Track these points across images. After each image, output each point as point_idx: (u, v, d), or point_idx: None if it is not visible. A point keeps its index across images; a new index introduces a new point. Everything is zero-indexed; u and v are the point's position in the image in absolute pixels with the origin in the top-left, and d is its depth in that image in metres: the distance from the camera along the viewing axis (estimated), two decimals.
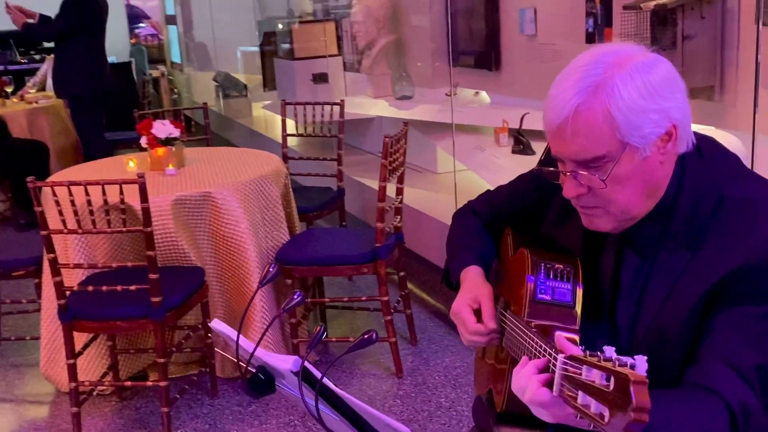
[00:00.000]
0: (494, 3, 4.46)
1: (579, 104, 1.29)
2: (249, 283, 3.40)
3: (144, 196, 2.85)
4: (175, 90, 10.57)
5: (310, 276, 3.75)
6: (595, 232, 1.49)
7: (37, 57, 9.24)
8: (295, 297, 1.26)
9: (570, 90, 1.30)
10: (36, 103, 6.67)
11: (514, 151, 4.08)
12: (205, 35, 9.72)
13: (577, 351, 1.19)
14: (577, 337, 1.46)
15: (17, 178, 5.53)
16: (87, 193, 2.83)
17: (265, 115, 7.49)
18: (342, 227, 4.46)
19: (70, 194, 2.85)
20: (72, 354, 3.03)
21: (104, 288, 2.95)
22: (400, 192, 3.61)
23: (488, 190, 1.91)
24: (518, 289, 1.58)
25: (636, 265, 1.44)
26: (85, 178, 2.90)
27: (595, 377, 1.07)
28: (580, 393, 1.10)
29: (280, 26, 7.28)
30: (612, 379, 1.03)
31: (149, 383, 3.33)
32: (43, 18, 6.32)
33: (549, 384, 1.20)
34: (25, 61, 9.33)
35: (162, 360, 3.01)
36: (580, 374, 1.10)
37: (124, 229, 2.92)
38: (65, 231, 2.92)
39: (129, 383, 3.33)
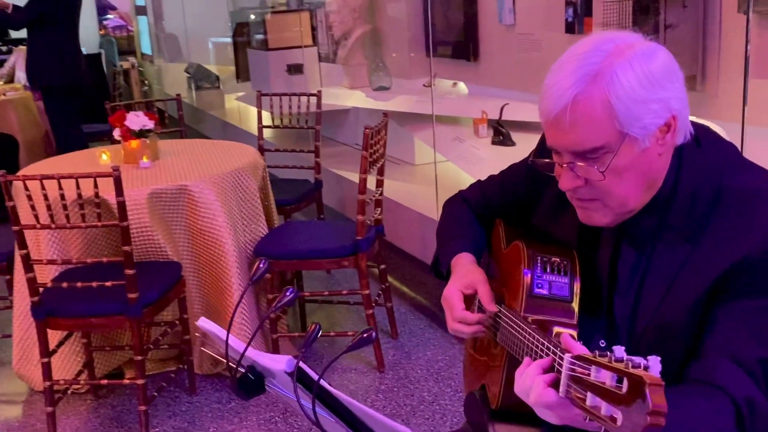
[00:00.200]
0: None
1: (577, 93, 1.25)
2: (227, 277, 3.33)
3: (119, 190, 2.78)
4: (146, 82, 10.41)
5: (289, 270, 3.69)
6: (590, 226, 1.46)
7: (4, 48, 9.05)
8: (288, 294, 1.21)
9: (568, 79, 1.26)
10: (4, 95, 6.52)
11: (493, 142, 4.04)
12: (177, 26, 9.58)
13: (584, 350, 1.15)
14: (575, 333, 1.43)
15: None
16: (60, 187, 2.75)
17: (238, 106, 7.39)
18: (320, 220, 4.40)
19: (43, 188, 2.77)
20: (46, 352, 2.95)
21: (79, 284, 2.87)
22: (380, 184, 3.56)
23: (479, 180, 1.86)
24: (513, 282, 1.54)
25: (633, 259, 1.40)
26: (58, 171, 2.81)
27: (606, 378, 1.03)
28: (588, 394, 1.06)
29: (253, 17, 7.19)
30: (625, 381, 0.99)
31: (126, 381, 3.25)
32: (16, 9, 6.18)
33: (555, 384, 1.16)
34: None
35: (139, 358, 2.94)
36: (589, 375, 1.06)
37: (99, 223, 2.84)
38: (38, 226, 2.84)
39: (105, 381, 3.25)
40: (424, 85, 4.92)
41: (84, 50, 6.57)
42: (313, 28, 6.26)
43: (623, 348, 1.04)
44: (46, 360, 2.95)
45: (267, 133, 4.68)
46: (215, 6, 8.19)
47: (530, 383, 1.19)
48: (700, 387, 1.26)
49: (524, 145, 4.01)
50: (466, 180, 4.16)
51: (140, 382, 2.95)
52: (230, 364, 1.26)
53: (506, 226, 1.73)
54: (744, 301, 1.28)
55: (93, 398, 3.37)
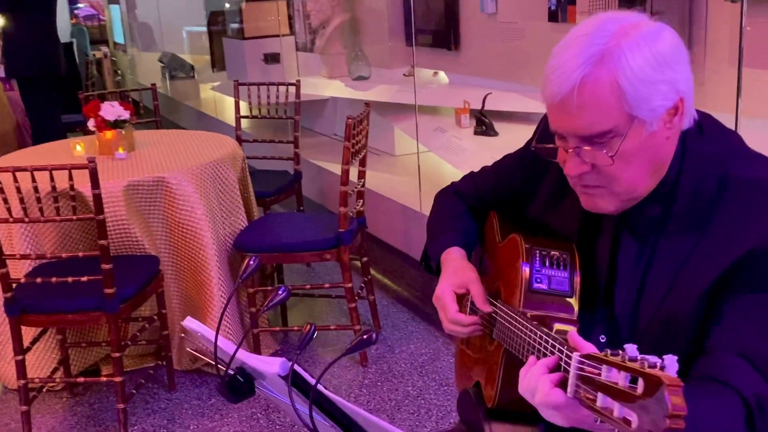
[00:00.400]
0: None
1: (585, 75, 1.19)
2: (206, 271, 3.26)
3: (95, 182, 2.69)
4: (119, 71, 10.25)
5: (270, 263, 3.62)
6: (590, 216, 1.41)
7: None
8: (280, 293, 1.15)
9: (574, 60, 1.21)
10: None
11: (476, 132, 3.99)
12: (150, 15, 9.43)
13: (592, 349, 1.11)
14: (575, 329, 1.38)
15: None
16: (34, 180, 2.66)
17: (214, 96, 7.29)
18: (300, 212, 4.33)
19: (15, 180, 2.68)
20: (20, 350, 2.86)
21: (54, 279, 2.78)
22: (362, 175, 3.50)
23: (472, 172, 1.81)
24: (510, 277, 1.49)
25: (635, 251, 1.36)
26: (31, 163, 2.72)
27: (619, 378, 0.97)
28: (599, 395, 1.01)
29: (228, 5, 7.07)
30: (640, 381, 0.94)
31: (103, 378, 3.17)
32: None
33: (562, 384, 1.11)
34: None
35: (117, 354, 2.86)
36: (599, 375, 1.01)
37: (74, 217, 2.75)
38: (11, 220, 2.75)
39: (82, 379, 3.16)
40: (404, 75, 4.86)
41: None
42: (290, 17, 6.17)
43: (635, 346, 0.99)
44: (20, 357, 2.86)
45: (244, 124, 4.59)
46: None
47: (536, 383, 1.14)
48: (707, 384, 1.22)
49: (507, 136, 3.97)
50: (447, 171, 4.11)
51: (118, 379, 2.87)
52: (219, 366, 1.19)
53: (501, 218, 1.68)
54: (752, 294, 1.23)
55: (69, 396, 3.28)
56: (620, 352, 1.00)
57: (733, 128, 1.42)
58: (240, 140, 4.25)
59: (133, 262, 3.07)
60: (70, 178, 2.66)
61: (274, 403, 1.28)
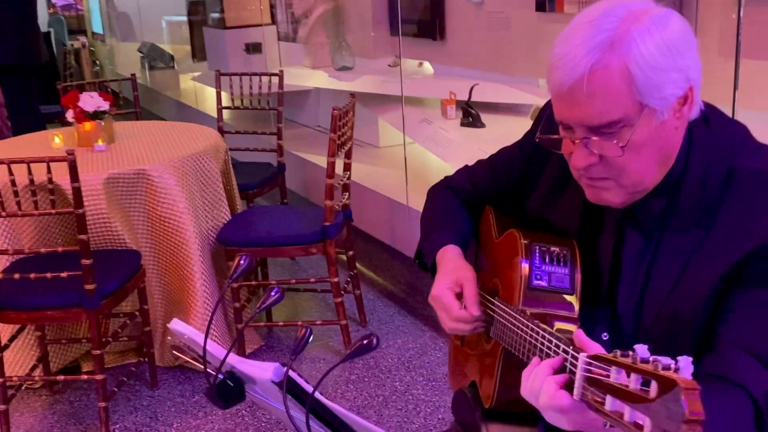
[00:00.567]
0: None
1: (595, 62, 1.15)
2: (189, 266, 3.19)
3: (74, 175, 2.62)
4: (98, 62, 10.11)
5: (254, 257, 3.55)
6: (591, 210, 1.36)
7: None
8: (273, 294, 1.09)
9: (582, 47, 1.16)
10: None
11: (463, 124, 3.93)
12: (129, 4, 9.29)
13: (599, 349, 1.06)
14: (577, 326, 1.34)
15: None
16: (11, 173, 2.58)
17: (194, 87, 7.19)
18: (284, 205, 4.27)
19: None
20: None
21: (32, 275, 2.70)
22: (347, 168, 3.44)
23: (466, 165, 1.75)
24: (509, 274, 1.44)
25: (639, 246, 1.31)
26: (8, 155, 2.64)
27: (630, 381, 0.93)
28: (608, 397, 0.96)
29: None
30: (653, 384, 0.89)
31: (84, 377, 3.10)
32: None
33: (567, 386, 1.06)
34: None
35: (97, 352, 2.78)
36: (608, 376, 0.97)
37: (53, 210, 2.68)
38: None
39: (61, 377, 3.08)
40: (389, 65, 4.80)
41: None
42: (272, 6, 6.07)
43: (646, 347, 0.95)
44: None
45: (225, 115, 4.52)
46: None
47: (540, 385, 1.10)
48: (714, 383, 1.18)
49: (494, 127, 3.93)
50: (433, 162, 4.05)
51: (99, 377, 2.80)
52: (208, 370, 1.13)
53: (497, 213, 1.63)
54: (762, 290, 1.19)
55: (48, 394, 3.21)
56: (630, 352, 0.95)
57: None
58: (222, 132, 4.17)
59: (114, 257, 2.99)
60: (49, 170, 2.58)
61: (265, 408, 1.23)
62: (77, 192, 2.64)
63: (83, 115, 3.41)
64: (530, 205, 1.53)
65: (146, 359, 3.19)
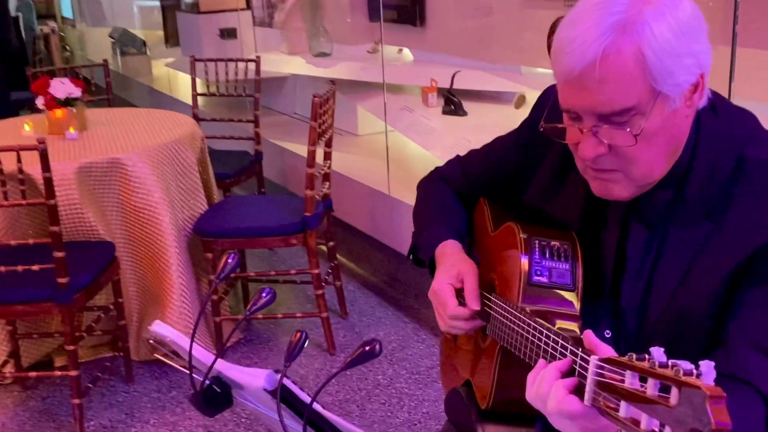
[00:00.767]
0: None
1: (607, 46, 1.08)
2: (165, 257, 3.10)
3: (45, 164, 2.52)
4: (68, 47, 9.90)
5: (232, 248, 3.46)
6: (593, 203, 1.30)
7: None
8: (264, 296, 1.02)
9: (593, 30, 1.09)
10: None
11: (444, 112, 3.86)
12: None
13: (610, 351, 1.00)
14: (578, 324, 1.28)
15: None
16: None
17: (168, 73, 7.05)
18: (261, 194, 4.18)
19: None
20: None
21: (2, 268, 2.60)
22: (328, 156, 3.36)
23: (458, 155, 1.68)
24: (507, 269, 1.38)
25: (644, 239, 1.25)
26: None
27: (648, 386, 0.86)
28: (623, 404, 0.90)
29: None
30: (674, 391, 0.83)
31: (57, 373, 3.00)
32: None
33: (577, 391, 1.00)
34: None
35: (71, 348, 2.70)
36: (623, 381, 0.90)
37: (24, 201, 2.58)
38: None
39: (34, 374, 2.98)
40: (368, 52, 4.71)
41: None
42: None
43: (662, 350, 0.88)
44: None
45: (199, 102, 4.41)
46: None
47: (548, 389, 1.03)
48: (724, 381, 1.12)
49: (477, 116, 3.86)
50: (414, 151, 3.98)
51: (73, 373, 2.71)
52: (196, 377, 1.06)
53: (492, 205, 1.57)
54: None
55: (20, 390, 3.11)
56: (646, 356, 0.89)
57: None
58: (197, 119, 4.07)
59: (87, 248, 2.90)
60: (19, 160, 2.49)
61: (255, 414, 1.15)
62: (48, 182, 2.55)
63: (54, 102, 3.30)
64: (527, 197, 1.47)
65: (121, 354, 3.10)
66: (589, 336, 1.03)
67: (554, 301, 1.30)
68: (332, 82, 3.41)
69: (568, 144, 1.23)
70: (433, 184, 1.67)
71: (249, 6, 5.87)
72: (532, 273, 1.31)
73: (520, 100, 3.78)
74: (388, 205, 3.63)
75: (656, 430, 0.85)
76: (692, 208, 1.20)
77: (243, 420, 2.83)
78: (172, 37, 7.00)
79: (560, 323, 1.27)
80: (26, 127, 3.44)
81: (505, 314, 1.30)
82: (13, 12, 9.11)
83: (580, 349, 1.02)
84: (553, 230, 1.37)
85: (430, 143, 3.61)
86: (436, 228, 1.55)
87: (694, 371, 0.84)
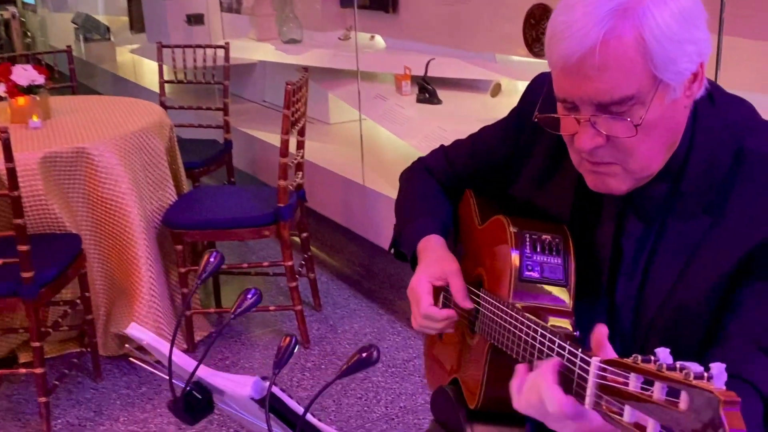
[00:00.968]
0: None
1: (607, 31, 1.03)
2: (133, 250, 3.01)
3: (8, 154, 2.43)
4: (29, 33, 9.67)
5: (203, 240, 3.38)
6: (586, 196, 1.25)
7: None
8: (249, 297, 0.95)
9: (592, 15, 1.04)
10: None
11: (419, 100, 3.80)
12: None
13: (610, 351, 0.96)
14: (571, 321, 1.23)
15: None
16: None
17: (133, 59, 6.90)
18: (231, 184, 4.09)
19: None
20: None
21: None
22: (301, 146, 3.29)
23: (443, 145, 1.63)
24: (495, 264, 1.33)
25: (640, 233, 1.21)
26: None
27: (654, 390, 0.82)
28: (627, 408, 0.85)
29: None
30: (684, 395, 0.78)
31: (22, 370, 2.90)
32: None
33: (566, 388, 0.96)
34: None
35: (37, 344, 2.60)
36: (627, 384, 0.86)
37: None
38: None
39: None
40: (339, 39, 4.64)
41: None
42: None
43: (668, 350, 0.84)
44: None
45: (166, 89, 4.30)
46: None
47: (544, 393, 0.98)
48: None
49: (451, 104, 3.81)
50: (386, 139, 3.92)
51: (39, 371, 2.62)
52: (177, 384, 0.99)
53: (479, 198, 1.52)
54: None
55: None
56: (652, 357, 0.84)
57: None
58: (164, 107, 3.97)
59: (53, 241, 2.80)
60: None
61: (238, 422, 1.09)
62: (12, 173, 2.45)
63: (16, 90, 3.18)
64: (516, 189, 1.42)
65: (89, 349, 3.01)
66: (598, 334, 0.98)
67: (546, 297, 1.25)
68: (305, 69, 3.33)
69: (562, 135, 1.18)
70: (417, 174, 1.61)
71: None
72: (523, 268, 1.27)
73: (496, 89, 3.73)
74: (362, 195, 3.57)
75: None
76: (690, 201, 1.16)
77: (215, 416, 2.76)
78: (137, 23, 6.85)
79: (552, 320, 1.22)
80: None
81: (496, 311, 1.25)
82: None
83: (580, 350, 0.97)
84: (544, 223, 1.32)
85: (405, 132, 3.55)
86: (419, 221, 1.49)
87: (705, 374, 0.80)
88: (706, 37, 1.10)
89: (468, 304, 1.34)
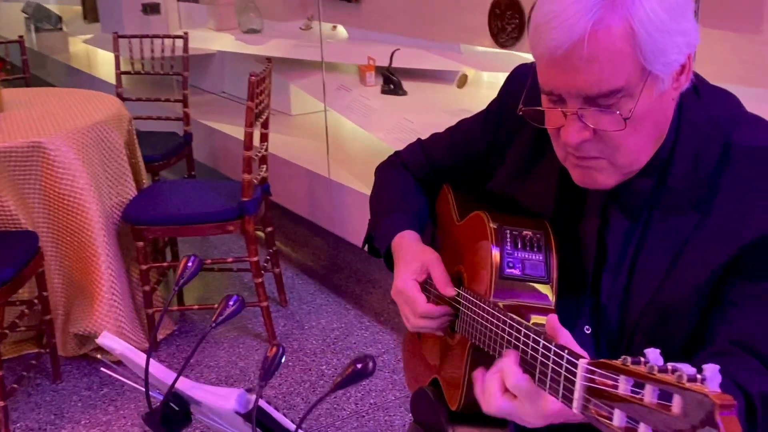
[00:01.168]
0: None
1: (596, 21, 1.00)
2: (92, 247, 2.92)
3: None
4: None
5: (164, 236, 3.30)
6: (569, 190, 1.22)
7: None
8: (231, 304, 0.90)
9: (580, 4, 1.00)
10: None
11: (384, 92, 3.75)
12: None
13: (568, 336, 0.97)
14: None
15: None
16: None
17: (86, 50, 6.74)
18: (192, 178, 4.01)
19: None
20: None
21: None
22: (265, 138, 3.22)
23: (419, 139, 1.58)
24: (475, 261, 1.29)
25: (625, 229, 1.18)
26: None
27: (645, 393, 0.78)
28: (616, 411, 0.82)
29: None
30: (677, 398, 0.74)
31: None
32: None
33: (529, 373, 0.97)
34: None
35: None
36: (617, 387, 0.82)
37: None
38: None
39: None
40: (300, 29, 4.56)
41: None
42: None
43: (658, 351, 0.80)
44: None
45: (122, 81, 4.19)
46: None
47: (504, 369, 1.01)
48: None
49: (417, 95, 3.77)
50: (350, 131, 3.88)
51: None
52: (154, 396, 0.94)
53: (457, 192, 1.48)
54: (763, 282, 1.08)
55: None
56: (641, 359, 0.81)
57: None
58: (121, 99, 3.87)
59: (8, 239, 2.71)
60: None
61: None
62: None
63: None
64: (496, 183, 1.38)
65: (47, 350, 2.92)
66: (551, 320, 0.99)
67: (528, 294, 1.21)
68: (268, 59, 3.27)
69: (547, 129, 1.14)
70: (393, 169, 1.57)
71: None
72: (504, 265, 1.23)
73: (463, 80, 3.70)
74: (327, 187, 3.52)
75: None
76: (676, 196, 1.13)
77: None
78: (90, 13, 6.69)
79: (535, 318, 1.19)
80: None
81: (477, 310, 1.22)
82: None
83: (566, 351, 0.94)
84: (525, 219, 1.28)
85: (371, 124, 3.50)
86: (393, 217, 1.45)
87: (698, 376, 0.77)
88: (695, 27, 1.08)
89: (451, 291, 1.29)
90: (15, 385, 2.78)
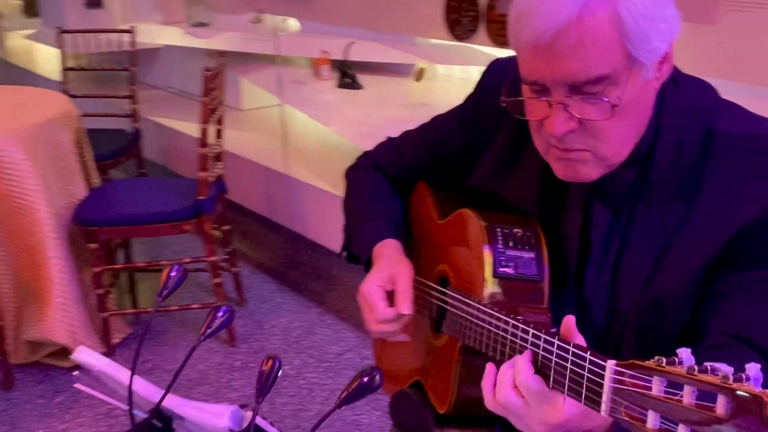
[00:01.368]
0: None
1: (582, 7, 0.98)
2: (42, 249, 2.81)
3: None
4: None
5: (117, 237, 3.20)
6: (552, 184, 1.20)
7: None
8: (220, 315, 0.85)
9: None
10: None
11: (340, 85, 3.69)
12: None
13: (581, 340, 0.94)
14: (547, 317, 1.18)
15: None
16: None
17: (25, 46, 6.53)
18: (142, 176, 3.90)
19: None
20: None
21: None
22: (220, 134, 3.14)
23: (390, 138, 1.54)
24: (464, 260, 1.27)
25: (608, 222, 1.16)
26: None
27: (684, 394, 0.76)
28: (650, 413, 0.79)
29: None
30: (722, 399, 0.72)
31: None
32: None
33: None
34: None
35: None
36: (650, 388, 0.79)
37: None
38: None
39: None
40: (251, 22, 4.48)
41: None
42: None
43: (689, 351, 0.78)
44: None
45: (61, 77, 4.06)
46: None
47: (516, 367, 0.97)
48: None
49: (373, 89, 3.72)
50: (304, 125, 3.82)
51: None
52: (136, 413, 0.88)
53: (436, 191, 1.44)
54: (758, 271, 1.06)
55: None
56: (676, 359, 0.78)
57: None
58: (67, 95, 3.73)
59: None
60: None
61: None
62: None
63: None
64: (475, 180, 1.35)
65: None
66: (567, 323, 0.96)
67: (522, 294, 1.19)
68: (221, 54, 3.18)
69: (529, 122, 1.11)
70: (364, 171, 1.52)
71: None
72: (497, 264, 1.20)
73: (420, 73, 3.66)
74: (284, 184, 3.45)
75: None
76: (661, 187, 1.11)
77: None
78: (30, 7, 6.48)
79: (529, 317, 1.16)
80: None
81: (470, 310, 1.18)
82: None
83: (588, 352, 0.90)
84: (512, 216, 1.26)
85: (328, 118, 3.44)
86: (372, 224, 1.41)
87: (743, 375, 0.74)
88: (677, 15, 1.06)
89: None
90: None
